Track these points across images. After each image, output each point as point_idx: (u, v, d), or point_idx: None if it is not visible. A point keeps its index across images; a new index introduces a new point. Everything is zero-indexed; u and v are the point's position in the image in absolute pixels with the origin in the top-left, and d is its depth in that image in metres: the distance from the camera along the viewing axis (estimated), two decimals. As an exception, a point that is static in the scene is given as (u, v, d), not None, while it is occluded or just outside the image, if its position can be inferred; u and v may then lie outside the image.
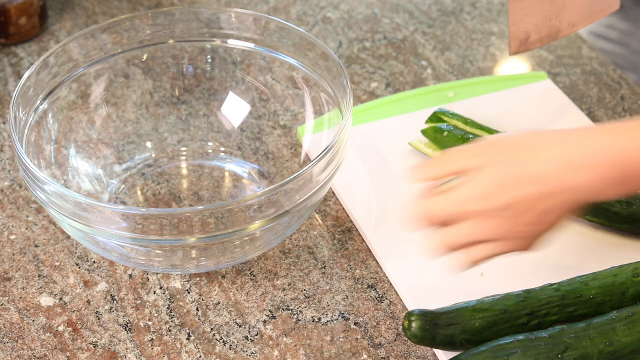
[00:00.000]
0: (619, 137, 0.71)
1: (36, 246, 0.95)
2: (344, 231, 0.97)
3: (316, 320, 0.88)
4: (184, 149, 1.05)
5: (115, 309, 0.89)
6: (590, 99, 1.14)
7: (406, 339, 0.85)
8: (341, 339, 0.87)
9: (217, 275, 0.92)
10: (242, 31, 1.01)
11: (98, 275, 0.92)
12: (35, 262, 0.94)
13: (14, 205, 0.99)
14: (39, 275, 0.92)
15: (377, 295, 0.90)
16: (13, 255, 0.94)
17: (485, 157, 0.74)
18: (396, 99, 1.11)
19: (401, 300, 0.90)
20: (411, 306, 0.88)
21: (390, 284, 0.91)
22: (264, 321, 0.88)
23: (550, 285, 0.85)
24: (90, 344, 0.86)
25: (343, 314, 0.89)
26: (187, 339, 0.87)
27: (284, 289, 0.91)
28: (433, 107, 1.10)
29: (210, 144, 1.05)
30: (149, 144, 1.04)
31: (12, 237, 0.96)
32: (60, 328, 0.88)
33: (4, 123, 1.10)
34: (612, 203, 0.93)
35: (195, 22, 1.01)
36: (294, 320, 0.88)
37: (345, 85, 0.91)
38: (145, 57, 1.03)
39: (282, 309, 0.89)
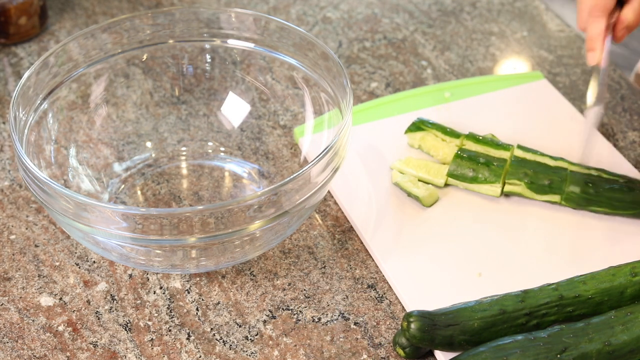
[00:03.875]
0: None
1: (36, 246, 0.95)
2: (344, 231, 0.97)
3: (316, 320, 0.88)
4: (184, 149, 1.05)
5: (115, 309, 0.89)
6: (590, 99, 1.14)
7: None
8: (341, 339, 0.87)
9: (217, 275, 0.92)
10: (242, 31, 1.01)
11: (98, 275, 0.92)
12: (35, 262, 0.94)
13: (14, 205, 1.00)
14: (39, 275, 0.92)
15: (377, 295, 0.90)
16: (13, 255, 0.94)
17: None
18: (396, 98, 1.12)
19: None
20: (410, 307, 0.88)
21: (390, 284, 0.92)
22: (264, 321, 0.88)
23: (549, 285, 0.85)
24: (90, 344, 0.86)
25: (343, 314, 0.89)
26: (187, 339, 0.87)
27: (284, 289, 0.91)
28: (432, 107, 1.10)
29: (210, 144, 1.05)
30: (149, 144, 1.05)
31: (12, 237, 0.96)
32: (60, 328, 0.88)
33: (4, 123, 1.10)
34: (614, 189, 0.95)
35: (195, 22, 1.01)
36: (294, 320, 0.88)
37: (345, 85, 0.91)
38: (145, 57, 1.03)
39: (282, 309, 0.89)
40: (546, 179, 0.96)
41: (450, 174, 0.99)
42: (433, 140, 1.03)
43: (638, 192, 0.95)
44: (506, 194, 0.99)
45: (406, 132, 1.04)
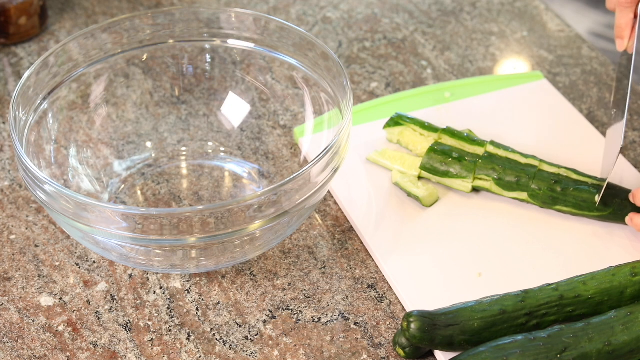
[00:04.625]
0: None
1: (36, 246, 0.95)
2: (344, 231, 0.97)
3: (316, 320, 0.88)
4: (184, 149, 1.05)
5: (115, 309, 0.89)
6: (590, 99, 1.14)
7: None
8: (341, 339, 0.87)
9: (217, 275, 0.92)
10: (242, 31, 1.01)
11: (98, 275, 0.92)
12: (35, 262, 0.94)
13: (14, 205, 1.00)
14: (39, 275, 0.92)
15: (377, 295, 0.90)
16: (13, 255, 0.94)
17: None
18: (396, 98, 1.12)
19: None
20: (410, 307, 0.88)
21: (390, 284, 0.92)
22: (264, 321, 0.88)
23: (549, 285, 0.85)
24: (90, 344, 0.86)
25: (343, 314, 0.89)
26: (187, 339, 0.87)
27: (284, 289, 0.91)
28: (432, 107, 1.10)
29: (210, 144, 1.05)
30: (149, 144, 1.05)
31: (12, 237, 0.96)
32: (60, 328, 0.88)
33: (4, 123, 1.10)
34: (581, 189, 0.94)
35: (195, 22, 1.01)
36: (294, 320, 0.88)
37: (345, 85, 0.91)
38: (145, 57, 1.03)
39: (282, 309, 0.89)
40: (514, 175, 0.96)
41: (423, 167, 0.99)
42: (411, 134, 1.03)
43: (606, 194, 0.94)
44: (476, 190, 0.99)
45: (385, 127, 1.04)
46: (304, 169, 0.82)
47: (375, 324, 0.88)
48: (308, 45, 0.97)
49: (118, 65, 1.02)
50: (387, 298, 0.90)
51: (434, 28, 1.26)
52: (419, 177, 1.00)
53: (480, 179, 0.97)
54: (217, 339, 0.87)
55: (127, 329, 0.88)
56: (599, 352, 0.79)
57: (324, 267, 0.93)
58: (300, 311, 0.89)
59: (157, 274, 0.92)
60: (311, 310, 0.89)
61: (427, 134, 1.02)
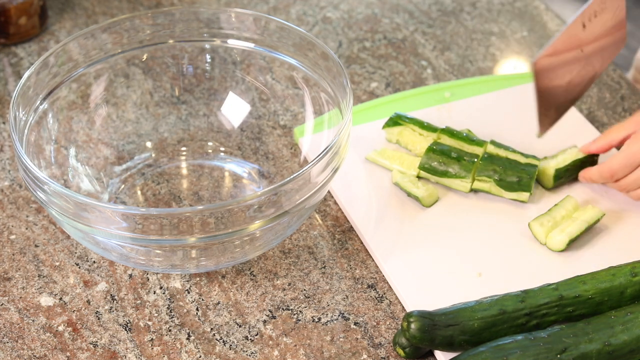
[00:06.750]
0: None
1: (36, 246, 0.95)
2: (344, 231, 0.97)
3: (316, 320, 0.88)
4: (184, 149, 1.05)
5: (115, 309, 0.89)
6: (590, 99, 1.14)
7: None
8: (341, 339, 0.87)
9: (217, 275, 0.92)
10: (242, 31, 1.01)
11: (98, 275, 0.92)
12: (35, 262, 0.94)
13: (14, 205, 1.00)
14: (39, 275, 0.92)
15: (377, 295, 0.90)
16: (13, 255, 0.94)
17: None
18: (396, 98, 1.12)
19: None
20: (410, 307, 0.88)
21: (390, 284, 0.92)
22: (264, 321, 0.88)
23: (549, 285, 0.85)
24: (90, 344, 0.86)
25: (343, 314, 0.89)
26: (187, 339, 0.87)
27: (284, 289, 0.91)
28: (432, 107, 1.10)
29: (210, 144, 1.05)
30: (149, 144, 1.05)
31: (12, 237, 0.96)
32: (60, 328, 0.88)
33: (4, 123, 1.10)
34: None
35: (195, 22, 1.01)
36: (294, 320, 0.88)
37: (345, 85, 0.91)
38: (145, 57, 1.03)
39: (282, 309, 0.89)
40: (515, 175, 0.96)
41: (422, 167, 0.99)
42: (410, 134, 1.03)
43: None
44: (474, 190, 0.99)
45: (384, 127, 1.04)
46: (304, 169, 0.82)
47: (375, 324, 0.88)
48: (308, 45, 0.97)
49: (118, 65, 1.02)
50: (387, 298, 0.90)
51: (434, 28, 1.26)
52: (418, 177, 1.00)
53: (481, 180, 0.97)
54: (217, 339, 0.87)
55: (127, 329, 0.88)
56: (599, 352, 0.79)
57: (324, 267, 0.93)
58: (300, 311, 0.89)
59: (157, 274, 0.92)
60: (311, 310, 0.89)
61: (426, 134, 1.02)
